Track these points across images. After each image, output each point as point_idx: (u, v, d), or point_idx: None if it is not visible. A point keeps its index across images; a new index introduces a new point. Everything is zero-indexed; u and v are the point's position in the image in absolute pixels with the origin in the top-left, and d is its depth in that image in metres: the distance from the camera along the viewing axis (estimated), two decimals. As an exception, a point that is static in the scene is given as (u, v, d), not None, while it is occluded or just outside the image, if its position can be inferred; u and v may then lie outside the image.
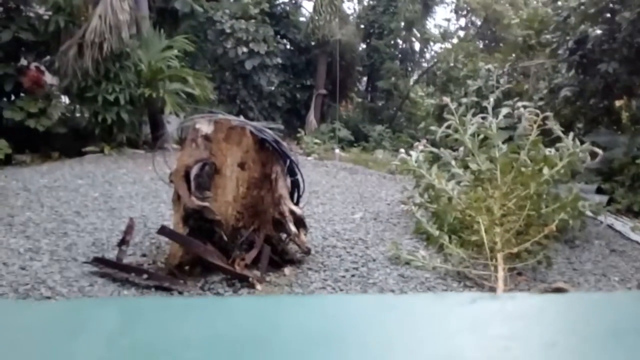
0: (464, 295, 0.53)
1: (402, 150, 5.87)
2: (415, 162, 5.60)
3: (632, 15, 6.56)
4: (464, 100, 7.99)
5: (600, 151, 5.23)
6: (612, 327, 0.47)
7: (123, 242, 3.92)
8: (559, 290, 3.17)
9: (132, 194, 6.37)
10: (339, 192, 7.17)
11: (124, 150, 8.79)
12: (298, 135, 11.46)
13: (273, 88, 13.27)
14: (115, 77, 8.73)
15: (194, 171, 3.79)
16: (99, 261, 3.87)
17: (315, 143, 11.04)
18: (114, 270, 3.81)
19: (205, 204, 3.73)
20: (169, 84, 9.18)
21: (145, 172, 7.36)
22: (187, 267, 3.75)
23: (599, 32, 7.24)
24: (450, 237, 4.63)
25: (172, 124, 9.16)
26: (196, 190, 3.75)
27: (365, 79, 16.79)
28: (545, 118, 5.57)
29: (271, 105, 13.02)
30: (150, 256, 4.23)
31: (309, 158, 10.17)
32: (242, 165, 4.01)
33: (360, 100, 16.40)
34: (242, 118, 4.23)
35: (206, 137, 3.83)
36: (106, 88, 8.59)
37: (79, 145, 8.69)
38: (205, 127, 3.85)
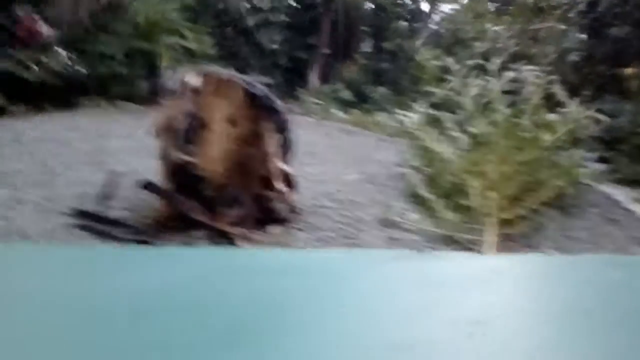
0: (388, 253, 0.44)
1: (400, 111, 5.71)
2: (414, 124, 5.46)
3: (648, -24, 6.25)
4: (469, 62, 7.74)
5: (604, 118, 5.08)
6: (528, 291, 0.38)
7: (106, 196, 3.84)
8: (547, 257, 3.08)
9: (124, 148, 6.28)
10: (335, 153, 7.04)
11: (120, 104, 8.64)
12: (298, 94, 11.24)
13: (276, 46, 12.94)
14: (112, 29, 8.49)
15: (180, 124, 3.67)
16: (80, 214, 3.81)
17: (316, 103, 10.83)
18: (95, 223, 3.75)
19: (191, 159, 3.63)
20: (166, 37, 8.93)
21: (140, 127, 7.24)
22: (171, 223, 3.69)
23: (612, -6, 6.94)
24: (443, 201, 4.53)
25: (169, 79, 8.97)
26: (182, 145, 3.65)
27: (370, 39, 16.36)
28: (550, 82, 5.39)
29: (273, 63, 12.73)
30: (136, 211, 4.16)
31: (308, 118, 9.99)
32: (231, 121, 3.89)
33: (364, 61, 16.03)
34: (232, 71, 4.08)
35: (194, 90, 3.69)
36: (102, 40, 8.37)
37: (73, 98, 8.54)
38: (193, 79, 3.71)
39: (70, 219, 3.81)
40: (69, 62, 9.12)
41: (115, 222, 3.77)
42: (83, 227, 3.74)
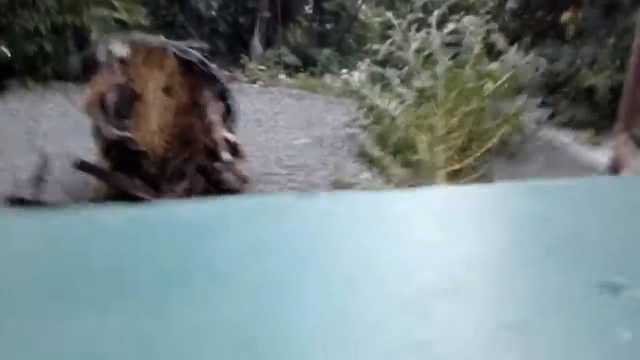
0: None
1: (344, 71, 5.62)
2: (358, 82, 5.38)
3: None
4: (410, 16, 7.67)
5: (543, 62, 5.14)
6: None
7: (39, 179, 3.60)
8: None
9: (58, 129, 5.93)
10: (283, 118, 6.90)
11: (51, 83, 8.11)
12: (242, 62, 10.91)
13: (213, 13, 12.44)
14: (33, 3, 7.89)
15: (110, 98, 3.45)
16: (14, 201, 3.55)
17: (260, 69, 10.56)
18: (32, 210, 3.52)
19: (126, 133, 3.43)
20: (94, 9, 8.39)
21: (73, 105, 6.86)
22: (112, 203, 3.51)
23: (545, -62, 6.96)
24: (394, 157, 4.51)
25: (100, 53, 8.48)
26: (115, 120, 3.44)
27: (312, 0, 15.98)
28: (489, 31, 5.39)
29: (212, 31, 12.25)
30: (74, 193, 3.94)
31: (254, 85, 9.75)
32: (166, 91, 3.69)
33: (307, 23, 15.69)
34: (162, 38, 3.84)
35: (122, 61, 3.46)
36: (22, 16, 7.78)
37: (0, 81, 7.96)
38: (119, 49, 3.47)
39: (5, 207, 3.55)
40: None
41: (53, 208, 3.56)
42: (19, 216, 3.51)
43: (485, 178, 4.28)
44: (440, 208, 0.36)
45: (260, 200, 0.36)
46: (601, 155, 5.28)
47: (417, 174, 4.20)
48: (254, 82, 10.00)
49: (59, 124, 6.12)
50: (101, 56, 4.04)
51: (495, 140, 4.25)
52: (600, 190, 0.41)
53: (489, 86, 4.73)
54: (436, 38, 5.09)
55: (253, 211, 0.34)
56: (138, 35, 3.76)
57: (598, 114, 6.06)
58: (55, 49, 8.14)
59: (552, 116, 6.20)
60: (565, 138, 5.85)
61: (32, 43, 7.88)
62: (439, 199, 0.37)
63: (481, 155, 4.26)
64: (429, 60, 5.15)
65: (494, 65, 5.11)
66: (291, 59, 11.98)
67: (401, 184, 4.22)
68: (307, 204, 0.35)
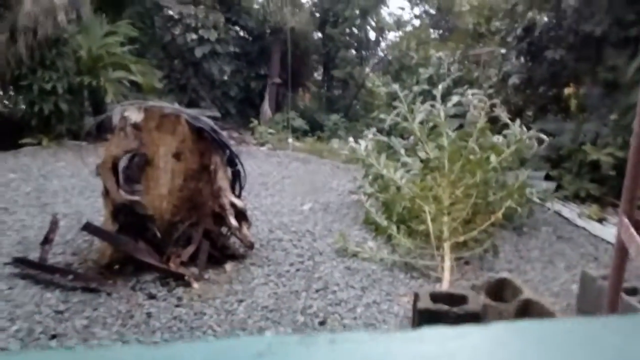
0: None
1: (351, 139, 5.74)
2: (364, 151, 5.48)
3: (577, 2, 6.61)
4: (416, 88, 7.92)
5: (546, 137, 5.24)
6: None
7: (46, 241, 3.62)
8: (502, 281, 3.09)
9: (68, 188, 6.00)
10: (290, 182, 6.98)
11: (64, 142, 8.30)
12: (251, 125, 11.17)
13: (226, 77, 12.87)
14: (52, 64, 8.21)
15: (122, 163, 3.53)
16: (20, 262, 3.56)
17: (270, 133, 10.78)
18: (37, 271, 3.52)
19: (135, 198, 3.48)
20: (111, 72, 8.71)
21: (85, 165, 6.97)
22: (117, 266, 3.50)
23: (546, 19, 7.29)
24: (398, 227, 4.53)
25: (115, 114, 8.71)
26: (125, 184, 3.50)
27: (321, 68, 16.56)
28: (493, 105, 5.54)
29: (224, 94, 12.63)
30: (81, 255, 3.94)
31: (262, 148, 9.92)
32: (177, 156, 3.77)
33: (316, 89, 16.19)
34: (176, 105, 3.97)
35: (135, 126, 3.56)
36: (42, 76, 8.07)
37: (15, 137, 8.15)
38: (134, 115, 3.58)
39: (11, 268, 3.56)
40: (7, 100, 8.76)
41: (58, 269, 3.55)
42: (24, 276, 3.51)
43: (490, 251, 4.27)
44: (438, 353, 0.38)
45: (265, 341, 0.37)
46: (606, 230, 5.27)
47: (424, 245, 4.20)
48: (262, 144, 10.20)
49: (69, 183, 6.21)
50: (116, 120, 4.17)
51: (499, 213, 4.26)
52: (594, 333, 0.43)
53: (493, 159, 4.80)
54: (441, 111, 5.22)
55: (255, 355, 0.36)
56: (152, 102, 3.89)
57: (603, 188, 6.10)
58: (71, 108, 8.38)
59: (556, 189, 6.24)
60: (570, 212, 5.86)
61: (49, 102, 8.13)
62: (437, 341, 0.39)
63: (486, 228, 4.27)
64: (433, 132, 5.27)
65: (497, 139, 5.21)
66: (299, 123, 12.26)
67: (406, 254, 4.21)
68: (306, 350, 0.37)
